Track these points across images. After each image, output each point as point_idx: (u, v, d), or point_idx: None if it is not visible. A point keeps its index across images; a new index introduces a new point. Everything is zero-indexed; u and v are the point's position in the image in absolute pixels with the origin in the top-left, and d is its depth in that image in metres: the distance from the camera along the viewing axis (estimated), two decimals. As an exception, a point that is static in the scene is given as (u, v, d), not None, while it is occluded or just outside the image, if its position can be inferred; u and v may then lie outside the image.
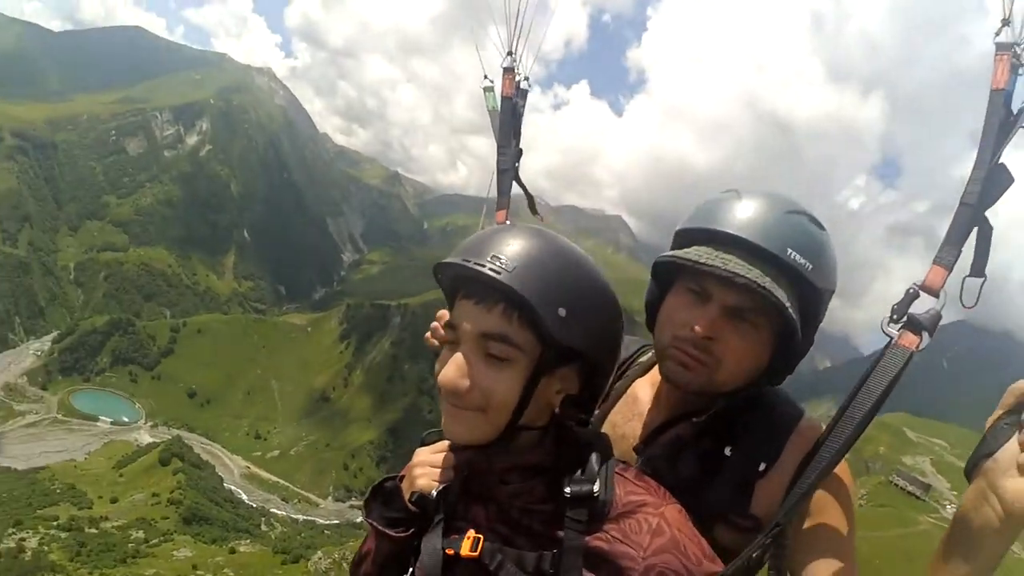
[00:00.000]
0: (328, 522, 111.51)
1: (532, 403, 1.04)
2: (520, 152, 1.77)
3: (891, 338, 1.10)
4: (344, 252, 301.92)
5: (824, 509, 1.16)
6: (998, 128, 1.08)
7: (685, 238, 1.30)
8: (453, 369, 1.03)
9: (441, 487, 1.12)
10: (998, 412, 0.96)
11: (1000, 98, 1.09)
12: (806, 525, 1.15)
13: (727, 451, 1.26)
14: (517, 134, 1.78)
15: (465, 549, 1.04)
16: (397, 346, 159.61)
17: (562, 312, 1.00)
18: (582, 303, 1.03)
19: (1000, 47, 1.09)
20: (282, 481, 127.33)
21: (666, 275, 1.33)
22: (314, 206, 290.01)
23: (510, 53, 1.77)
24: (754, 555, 1.08)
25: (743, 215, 1.21)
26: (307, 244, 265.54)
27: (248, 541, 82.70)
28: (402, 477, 1.22)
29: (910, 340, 1.09)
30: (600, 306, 1.06)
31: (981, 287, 1.11)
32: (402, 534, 1.14)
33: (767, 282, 1.15)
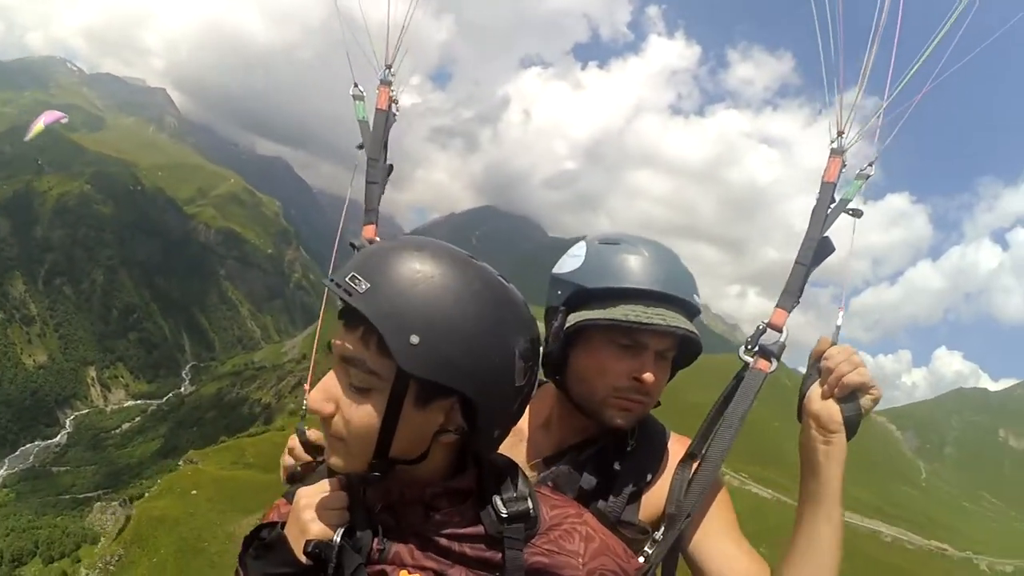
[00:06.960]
0: None
1: (403, 434, 0.95)
2: (390, 168, 1.74)
3: (747, 363, 1.44)
4: None
5: (719, 504, 1.44)
6: (827, 210, 1.49)
7: (595, 295, 1.40)
8: (318, 392, 0.98)
9: (341, 531, 0.99)
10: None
11: (829, 188, 1.51)
12: (707, 519, 1.41)
13: (616, 466, 1.44)
14: (386, 148, 1.75)
15: None
16: None
17: (414, 339, 0.90)
18: (444, 332, 0.92)
19: (834, 152, 1.52)
20: None
21: (574, 332, 1.41)
22: None
23: (388, 66, 1.75)
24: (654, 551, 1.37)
25: (656, 270, 1.40)
26: None
27: None
28: (282, 524, 1.05)
29: (764, 365, 1.43)
30: (470, 337, 0.94)
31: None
32: None
33: (691, 327, 1.39)
